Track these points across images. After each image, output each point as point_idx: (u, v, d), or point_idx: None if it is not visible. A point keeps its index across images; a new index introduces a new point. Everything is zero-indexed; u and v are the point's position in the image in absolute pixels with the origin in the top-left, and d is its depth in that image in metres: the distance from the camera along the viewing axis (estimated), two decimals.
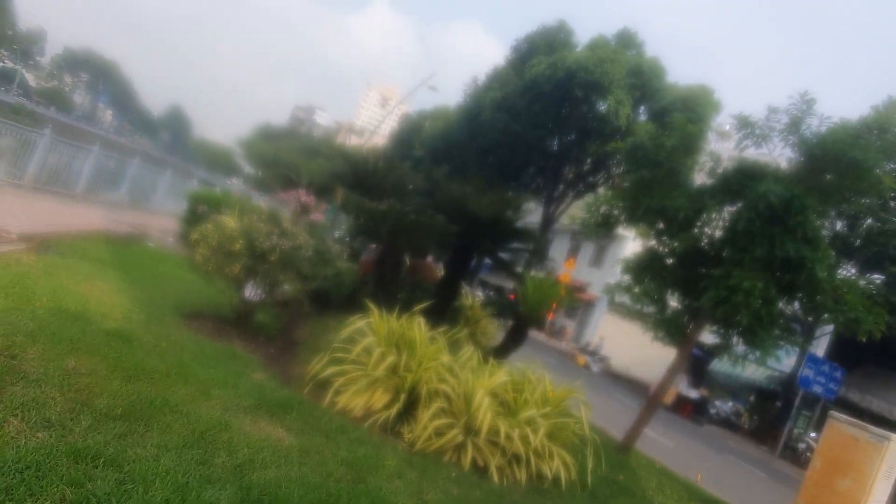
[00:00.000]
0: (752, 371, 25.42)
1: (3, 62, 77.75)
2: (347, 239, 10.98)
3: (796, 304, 11.21)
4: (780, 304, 9.22)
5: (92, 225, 11.26)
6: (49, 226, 9.43)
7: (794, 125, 8.59)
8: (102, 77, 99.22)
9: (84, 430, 3.51)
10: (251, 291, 7.97)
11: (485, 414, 5.77)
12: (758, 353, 9.12)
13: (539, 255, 12.54)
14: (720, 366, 25.92)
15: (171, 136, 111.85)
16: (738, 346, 9.55)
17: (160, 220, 17.21)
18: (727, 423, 24.92)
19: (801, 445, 21.22)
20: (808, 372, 20.42)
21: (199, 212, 9.79)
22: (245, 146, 56.01)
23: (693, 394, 24.39)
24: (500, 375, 6.55)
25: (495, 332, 12.06)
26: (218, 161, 75.40)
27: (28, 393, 3.68)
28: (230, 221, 7.68)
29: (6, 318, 4.76)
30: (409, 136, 40.50)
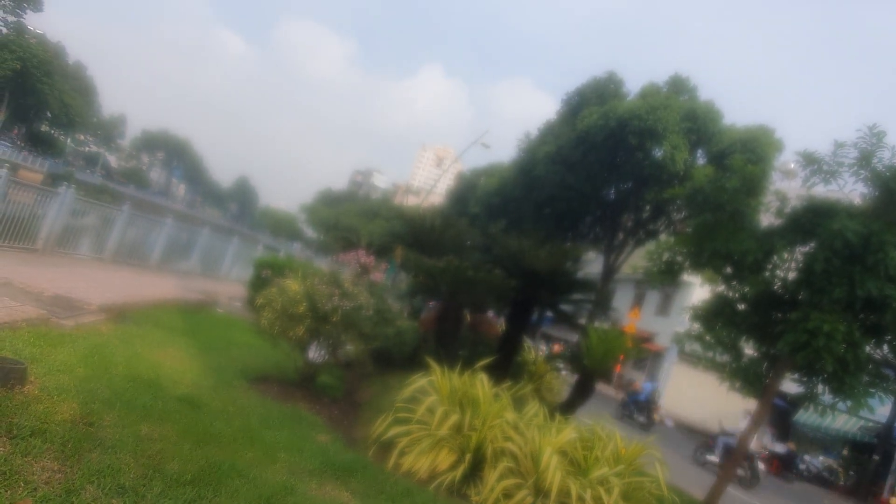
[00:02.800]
0: (843, 422, 23.64)
1: (89, 147, 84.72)
2: (407, 297, 11.03)
3: (885, 348, 10.47)
4: (869, 348, 8.61)
5: (165, 294, 11.77)
6: (126, 296, 9.91)
7: (865, 159, 8.20)
8: (176, 155, 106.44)
9: (155, 496, 3.56)
10: (315, 353, 8.08)
11: (554, 473, 5.54)
12: (848, 403, 8.48)
13: (602, 305, 12.23)
14: (806, 417, 24.23)
15: (238, 205, 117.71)
16: (825, 394, 8.92)
17: (228, 286, 17.84)
18: (820, 480, 23.05)
19: None
20: None
21: (263, 276, 10.11)
22: (307, 211, 58.42)
23: (779, 448, 22.81)
24: (568, 432, 6.32)
25: (560, 386, 11.73)
26: (282, 227, 78.76)
27: (104, 459, 3.78)
28: (293, 285, 7.88)
29: (85, 387, 4.96)
30: (465, 194, 40.95)
